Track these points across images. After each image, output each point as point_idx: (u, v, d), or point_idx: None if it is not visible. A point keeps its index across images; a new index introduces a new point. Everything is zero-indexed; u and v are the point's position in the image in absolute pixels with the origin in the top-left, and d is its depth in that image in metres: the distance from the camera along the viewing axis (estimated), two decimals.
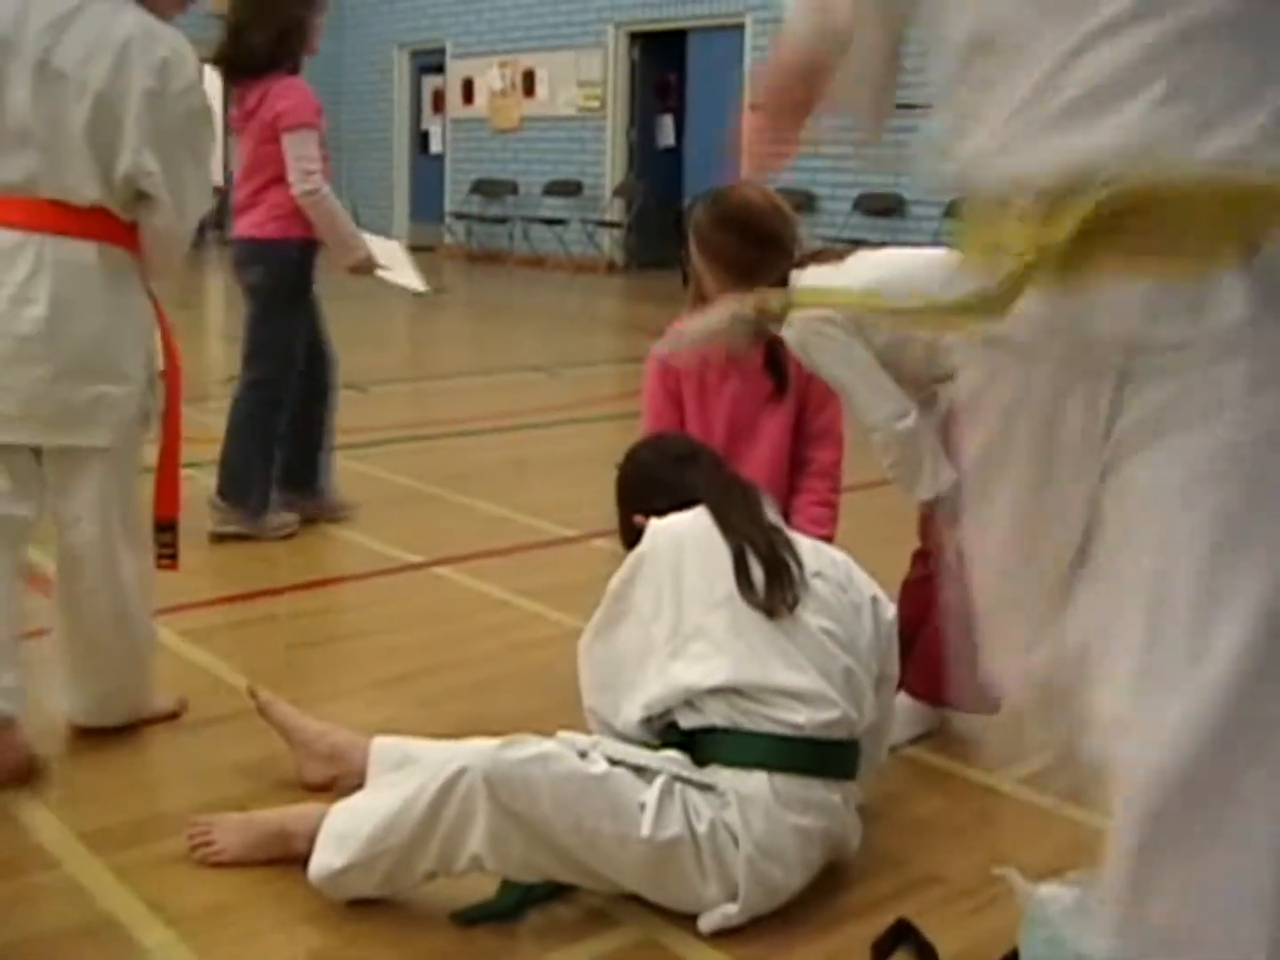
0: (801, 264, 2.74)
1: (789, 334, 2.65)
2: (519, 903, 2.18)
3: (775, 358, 2.98)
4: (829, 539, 2.93)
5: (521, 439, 6.05)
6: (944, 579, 2.89)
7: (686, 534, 2.32)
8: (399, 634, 3.53)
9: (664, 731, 2.23)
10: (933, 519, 2.91)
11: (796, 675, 2.18)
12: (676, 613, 2.24)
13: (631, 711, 2.24)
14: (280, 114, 4.18)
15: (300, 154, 4.17)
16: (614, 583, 2.34)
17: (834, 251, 2.89)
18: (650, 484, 2.55)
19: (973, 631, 2.81)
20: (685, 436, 2.85)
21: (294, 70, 4.30)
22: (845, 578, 2.36)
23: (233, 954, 2.08)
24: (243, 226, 4.34)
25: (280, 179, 4.21)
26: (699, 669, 2.18)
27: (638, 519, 2.49)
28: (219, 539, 4.25)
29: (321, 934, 2.12)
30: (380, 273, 4.56)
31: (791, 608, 2.22)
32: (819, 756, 2.18)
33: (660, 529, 2.35)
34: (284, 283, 4.32)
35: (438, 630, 3.56)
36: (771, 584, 2.23)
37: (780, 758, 2.15)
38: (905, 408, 2.72)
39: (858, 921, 2.18)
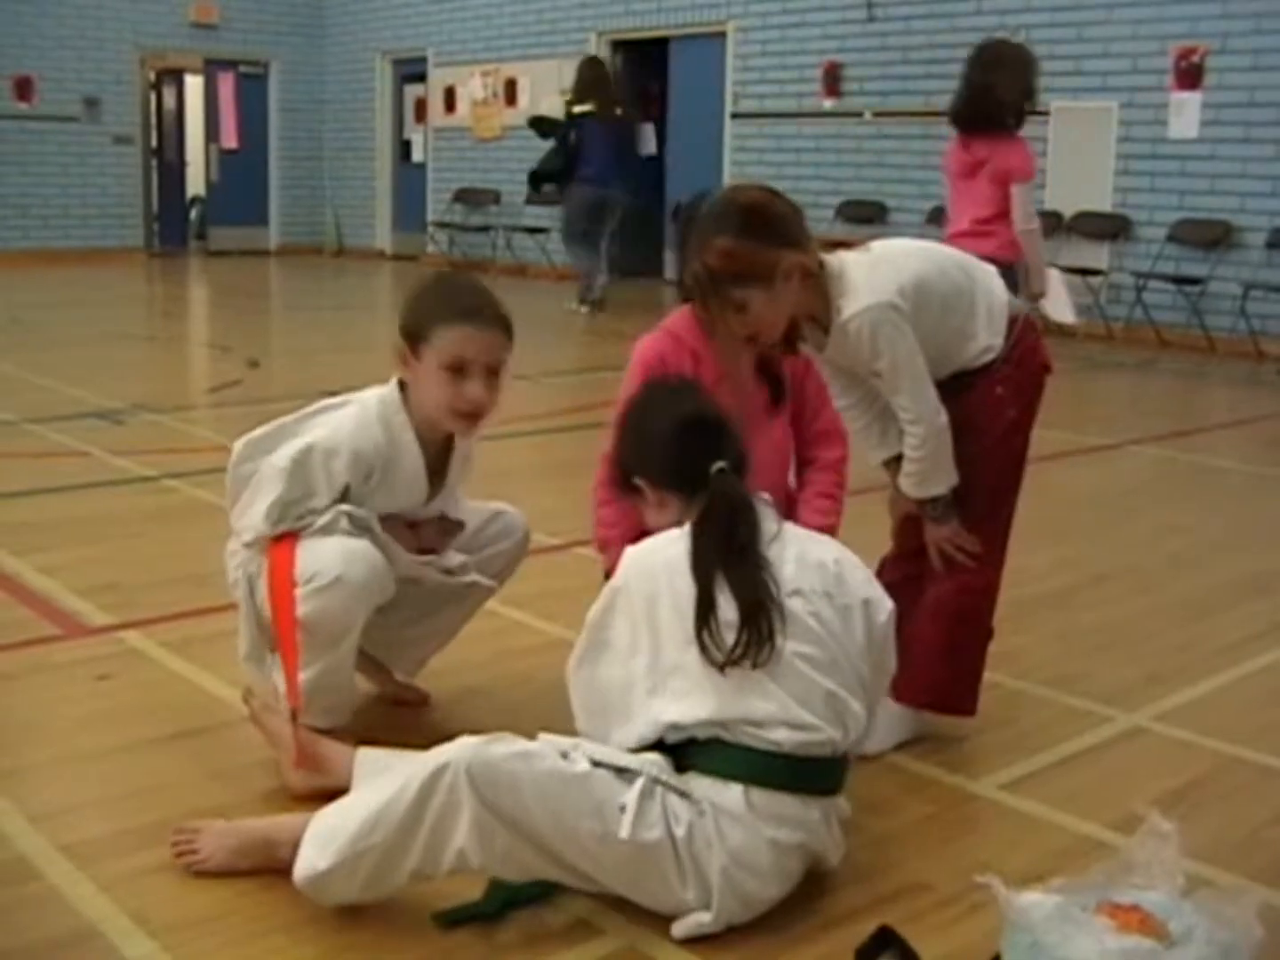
0: (825, 249, 2.72)
1: (867, 315, 2.63)
2: (502, 906, 2.18)
3: (768, 366, 2.97)
4: (832, 529, 2.90)
5: (504, 447, 6.04)
6: (928, 580, 2.91)
7: (661, 567, 2.24)
8: None
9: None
10: (916, 521, 2.92)
11: (774, 706, 2.15)
12: (653, 648, 2.20)
13: (617, 738, 2.22)
14: (1013, 168, 5.61)
15: (1025, 200, 5.66)
16: (592, 613, 2.30)
17: (855, 241, 2.89)
18: (648, 451, 2.40)
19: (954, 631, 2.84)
20: (699, 394, 2.53)
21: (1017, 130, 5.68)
22: (834, 582, 2.27)
23: None
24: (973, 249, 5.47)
25: (1004, 215, 5.63)
26: (680, 706, 2.16)
27: (635, 480, 2.41)
28: None
29: (304, 945, 2.12)
30: (1042, 301, 5.90)
31: (758, 666, 2.14)
32: (798, 773, 2.16)
33: (634, 560, 2.29)
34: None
35: None
36: (743, 633, 2.14)
37: (757, 771, 2.14)
38: (940, 402, 2.75)
39: (840, 929, 2.18)
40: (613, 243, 14.56)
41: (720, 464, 2.29)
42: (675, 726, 2.17)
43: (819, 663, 2.19)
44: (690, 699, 2.16)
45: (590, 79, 11.14)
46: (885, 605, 2.32)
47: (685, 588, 2.19)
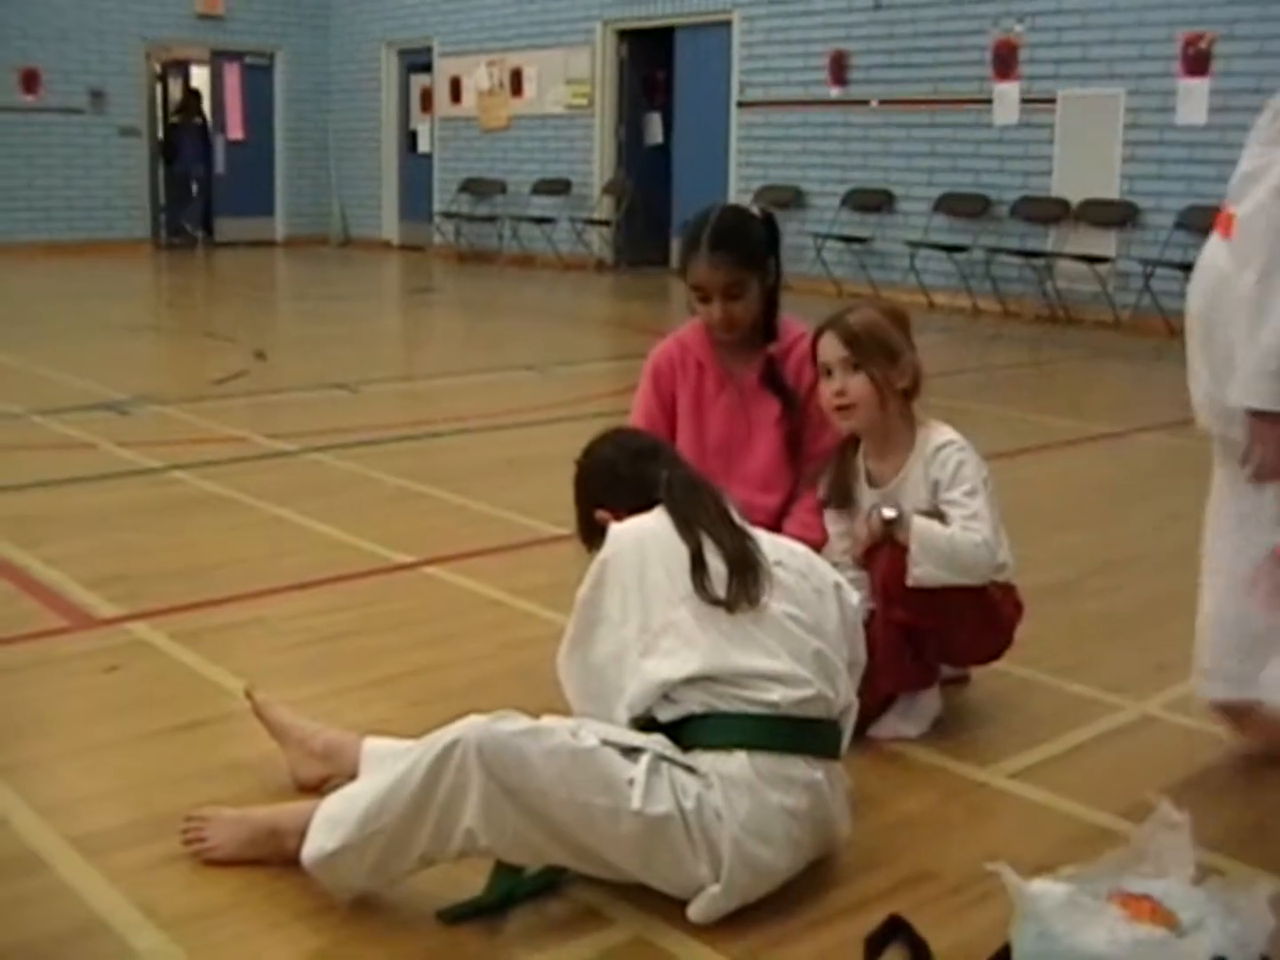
0: None
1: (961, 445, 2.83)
2: (505, 899, 2.18)
3: (773, 375, 2.98)
4: (814, 545, 2.92)
5: (512, 438, 6.04)
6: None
7: (647, 534, 2.33)
8: (390, 634, 3.52)
9: (646, 726, 2.23)
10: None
11: (767, 659, 2.20)
12: (644, 611, 2.25)
13: (620, 715, 2.25)
14: None
15: None
16: (581, 592, 2.34)
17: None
18: (610, 480, 2.55)
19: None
20: (645, 432, 2.84)
21: None
22: (806, 565, 2.39)
23: (224, 956, 2.08)
24: None
25: None
26: (671, 663, 2.20)
27: (599, 515, 2.52)
28: None
29: (312, 935, 2.12)
30: None
31: (754, 603, 2.24)
32: (797, 734, 2.19)
33: (621, 532, 2.36)
34: None
35: (429, 630, 3.56)
36: (734, 580, 2.24)
37: (758, 736, 2.16)
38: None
39: (850, 917, 2.18)
40: (618, 233, 14.65)
41: (667, 473, 2.43)
42: (667, 684, 2.19)
43: (805, 624, 2.28)
44: (680, 655, 2.20)
45: (184, 102, 17.24)
46: (855, 592, 2.46)
47: (674, 549, 2.28)
